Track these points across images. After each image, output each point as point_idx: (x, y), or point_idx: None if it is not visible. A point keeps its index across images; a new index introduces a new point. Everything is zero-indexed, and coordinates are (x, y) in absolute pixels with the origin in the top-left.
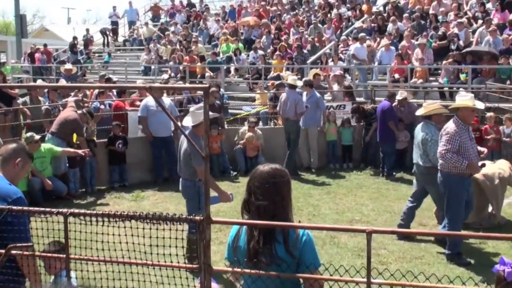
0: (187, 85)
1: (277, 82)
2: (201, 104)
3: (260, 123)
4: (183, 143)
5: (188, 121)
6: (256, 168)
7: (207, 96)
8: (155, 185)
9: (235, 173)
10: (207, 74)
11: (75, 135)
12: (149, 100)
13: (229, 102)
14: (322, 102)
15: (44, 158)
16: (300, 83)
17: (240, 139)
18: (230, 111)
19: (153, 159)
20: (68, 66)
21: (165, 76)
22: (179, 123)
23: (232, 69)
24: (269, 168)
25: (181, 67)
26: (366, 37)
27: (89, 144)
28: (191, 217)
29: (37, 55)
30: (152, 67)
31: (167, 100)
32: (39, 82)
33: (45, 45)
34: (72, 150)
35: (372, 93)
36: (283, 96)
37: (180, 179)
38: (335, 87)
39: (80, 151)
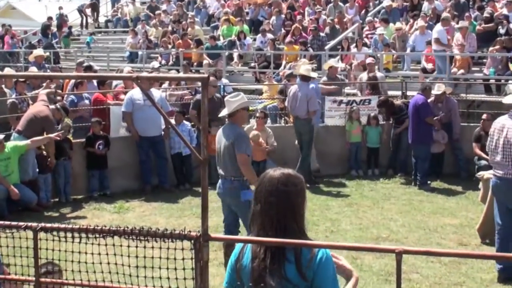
0: (181, 75)
1: (287, 72)
2: (238, 92)
3: (268, 120)
4: (221, 137)
5: (224, 111)
6: (266, 173)
7: (206, 87)
8: (142, 195)
9: None
10: (205, 62)
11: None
12: (135, 93)
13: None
14: (313, 98)
15: (9, 160)
16: (314, 75)
17: None
18: None
19: (139, 163)
20: (39, 51)
21: (155, 63)
22: (172, 121)
23: (235, 56)
24: (280, 173)
25: (173, 53)
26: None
27: (63, 145)
28: (187, 232)
29: (6, 37)
30: (140, 52)
31: (157, 92)
32: (7, 70)
33: (9, 26)
34: (41, 137)
35: (402, 85)
36: (292, 89)
37: (221, 181)
38: (364, 77)
39: (53, 135)
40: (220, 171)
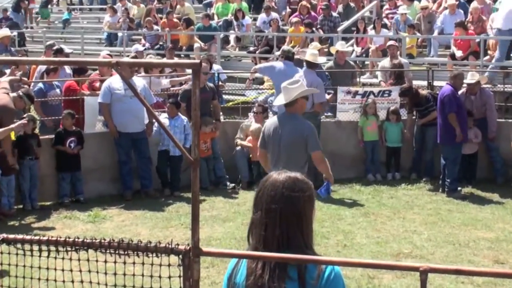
0: (169, 60)
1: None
2: (296, 78)
3: (270, 114)
4: (277, 128)
5: (280, 99)
6: (269, 176)
7: (197, 75)
8: (121, 201)
9: (233, 185)
10: (196, 45)
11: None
12: (114, 81)
13: (224, 84)
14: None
15: None
16: (323, 60)
17: (243, 136)
18: (227, 96)
19: (118, 164)
20: (5, 31)
21: (138, 47)
22: (158, 115)
23: (231, 38)
24: (286, 176)
25: (160, 34)
26: None
27: (29, 142)
28: (174, 246)
29: None
30: (119, 34)
31: (139, 81)
32: None
33: None
34: (1, 130)
35: (429, 74)
36: (299, 77)
37: None
38: (386, 63)
39: (15, 125)
40: (277, 167)
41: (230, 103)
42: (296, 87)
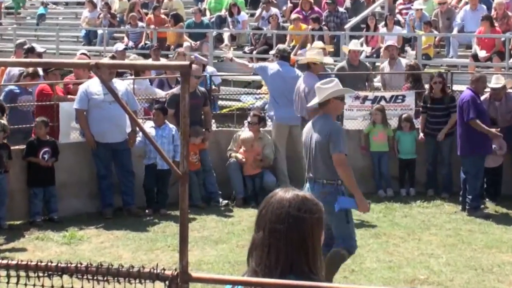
0: (155, 61)
1: (298, 58)
2: (332, 78)
3: (268, 122)
4: (311, 131)
5: (314, 100)
6: (274, 193)
7: (187, 78)
8: (100, 220)
9: (226, 202)
10: (185, 44)
11: None
12: (92, 85)
13: (218, 88)
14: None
15: None
16: (328, 60)
17: (237, 146)
18: (221, 102)
19: (97, 179)
20: None
21: (119, 46)
22: (143, 123)
23: (225, 36)
24: (293, 195)
25: (145, 31)
26: None
27: None
28: (160, 271)
29: None
30: (99, 31)
31: (121, 85)
32: None
33: None
34: None
35: (447, 77)
36: (299, 83)
37: (309, 185)
38: (384, 67)
39: None
40: (309, 173)
41: (224, 110)
42: (329, 87)
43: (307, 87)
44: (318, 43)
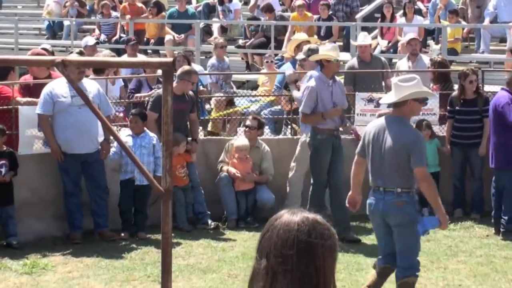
0: (131, 58)
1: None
2: (412, 75)
3: (267, 129)
4: (380, 132)
5: (389, 97)
6: (279, 215)
7: (169, 78)
8: (68, 245)
9: (216, 223)
10: (168, 38)
11: None
12: (58, 86)
13: (206, 90)
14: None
15: None
16: (346, 56)
17: (229, 158)
18: (210, 106)
19: (64, 197)
20: None
21: (89, 40)
22: (118, 130)
23: (215, 28)
24: (303, 217)
25: (120, 23)
26: None
27: None
28: None
29: None
30: (66, 23)
31: (92, 85)
32: None
33: None
34: None
35: (477, 76)
36: (311, 83)
37: (378, 195)
38: (402, 65)
39: None
40: (377, 181)
41: (214, 115)
42: (409, 86)
43: (326, 90)
44: (300, 35)
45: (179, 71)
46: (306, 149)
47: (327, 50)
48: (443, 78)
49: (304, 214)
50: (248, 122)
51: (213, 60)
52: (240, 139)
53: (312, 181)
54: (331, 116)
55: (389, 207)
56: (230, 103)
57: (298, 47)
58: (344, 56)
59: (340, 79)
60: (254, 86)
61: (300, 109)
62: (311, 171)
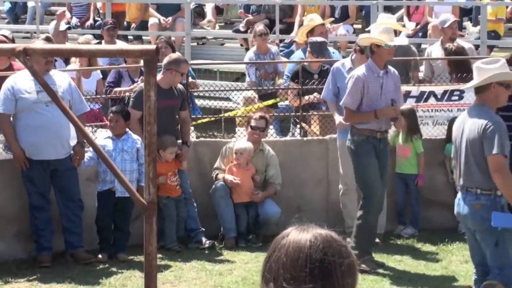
0: (108, 46)
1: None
2: (497, 58)
3: (271, 129)
4: (463, 125)
5: (471, 83)
6: (286, 232)
7: (152, 69)
8: (34, 269)
9: (211, 242)
10: (152, 21)
11: None
12: (21, 79)
13: (197, 82)
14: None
15: None
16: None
17: (226, 164)
18: (202, 102)
19: (29, 211)
20: None
21: (60, 24)
22: (94, 132)
23: (208, 9)
24: (315, 233)
25: (95, 5)
26: None
27: None
28: None
29: None
30: (30, 4)
31: (62, 79)
32: None
33: None
34: None
35: None
36: (357, 71)
37: (461, 195)
38: (435, 50)
39: None
40: (459, 180)
41: (205, 120)
42: (493, 68)
43: (379, 83)
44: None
45: (165, 60)
46: (347, 158)
47: (378, 33)
48: (463, 68)
49: (316, 230)
50: (254, 122)
51: (251, 54)
52: (241, 141)
53: (363, 200)
54: (387, 116)
55: (468, 210)
56: (263, 97)
57: (311, 33)
58: (399, 40)
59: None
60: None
61: (342, 103)
62: (357, 183)
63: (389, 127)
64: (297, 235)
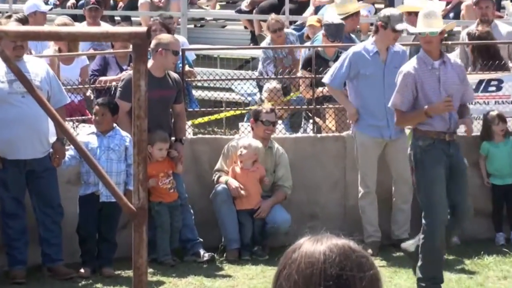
0: (92, 28)
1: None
2: None
3: (280, 124)
4: None
5: None
6: (298, 245)
7: (142, 54)
8: (6, 286)
9: (211, 254)
10: (142, 0)
11: None
12: None
13: (194, 70)
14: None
15: None
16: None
17: (229, 164)
18: (200, 93)
19: (1, 219)
20: None
21: (35, 3)
22: (75, 127)
23: None
24: (330, 245)
25: None
26: None
27: None
28: None
29: None
30: None
31: (38, 65)
32: None
33: None
34: None
35: None
36: (406, 67)
37: None
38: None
39: None
40: None
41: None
42: None
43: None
44: None
45: (153, 43)
46: (367, 154)
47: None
48: (488, 56)
49: (332, 240)
50: (265, 116)
51: (265, 44)
52: (248, 138)
53: (426, 219)
54: (438, 112)
55: None
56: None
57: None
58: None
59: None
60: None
61: (390, 104)
62: (419, 198)
63: (458, 127)
64: (309, 248)
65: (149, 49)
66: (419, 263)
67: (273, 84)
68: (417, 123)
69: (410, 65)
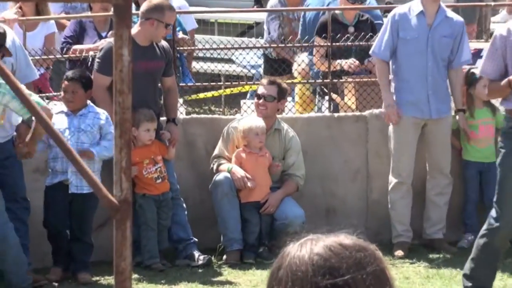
0: None
1: None
2: None
3: (289, 102)
4: None
5: None
6: (283, 260)
7: (125, 18)
8: None
9: (207, 257)
10: None
11: None
12: None
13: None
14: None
15: None
16: None
17: (230, 150)
18: (195, 65)
19: None
20: None
21: None
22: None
23: None
24: (317, 252)
25: None
26: None
27: None
28: None
29: None
30: None
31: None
32: None
33: None
34: None
35: None
36: (500, 29)
37: None
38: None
39: None
40: None
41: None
42: None
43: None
44: None
45: (143, 6)
46: (399, 135)
47: None
48: None
49: (318, 243)
50: (261, 89)
51: (274, 1)
52: (250, 119)
53: (493, 212)
54: None
55: None
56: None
57: None
58: None
59: None
60: (263, 33)
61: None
62: (497, 197)
63: None
64: (295, 260)
65: (138, 12)
66: (468, 266)
67: (306, 60)
68: (506, 101)
69: (504, 27)
